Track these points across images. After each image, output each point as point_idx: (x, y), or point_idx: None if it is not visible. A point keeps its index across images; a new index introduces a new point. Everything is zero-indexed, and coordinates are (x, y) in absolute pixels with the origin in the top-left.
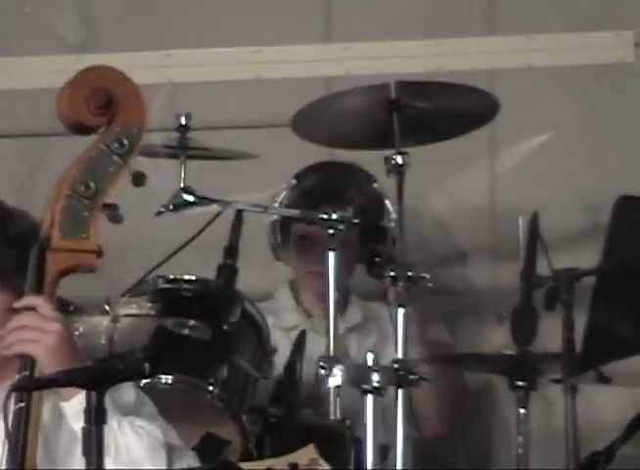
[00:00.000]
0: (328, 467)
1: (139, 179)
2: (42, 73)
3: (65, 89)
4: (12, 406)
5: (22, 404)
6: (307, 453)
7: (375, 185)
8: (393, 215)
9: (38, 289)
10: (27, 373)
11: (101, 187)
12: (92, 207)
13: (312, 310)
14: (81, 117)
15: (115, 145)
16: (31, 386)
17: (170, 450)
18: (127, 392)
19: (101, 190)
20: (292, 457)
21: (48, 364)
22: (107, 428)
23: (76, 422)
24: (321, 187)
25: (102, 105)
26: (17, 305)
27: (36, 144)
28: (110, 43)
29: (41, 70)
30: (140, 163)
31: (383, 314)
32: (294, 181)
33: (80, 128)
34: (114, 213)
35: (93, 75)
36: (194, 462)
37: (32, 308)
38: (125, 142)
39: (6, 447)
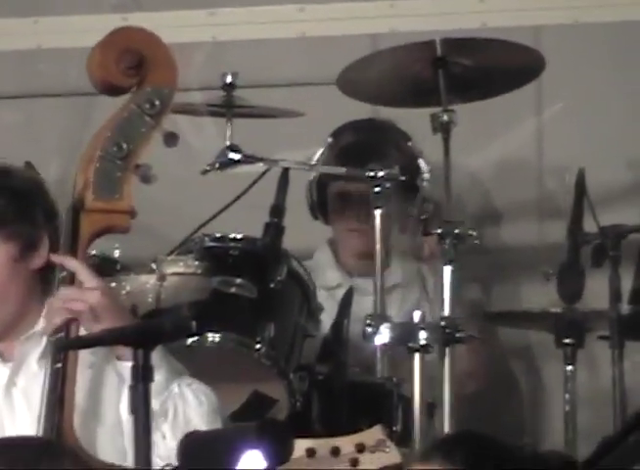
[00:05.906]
0: (395, 449)
1: (171, 139)
2: (90, 33)
3: (95, 50)
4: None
5: (60, 365)
6: (374, 434)
7: (410, 143)
8: (426, 175)
9: (73, 249)
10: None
11: (133, 147)
12: (125, 167)
13: (352, 270)
14: (112, 77)
15: (147, 105)
16: (76, 344)
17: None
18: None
19: (133, 150)
20: (358, 438)
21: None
22: (167, 392)
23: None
24: (358, 145)
25: (132, 65)
26: (55, 258)
27: (84, 102)
28: (155, 2)
29: (89, 30)
30: (182, 121)
31: (424, 273)
32: (330, 139)
33: (111, 89)
34: (145, 173)
35: (123, 36)
36: None
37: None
38: (157, 102)
39: (43, 406)
